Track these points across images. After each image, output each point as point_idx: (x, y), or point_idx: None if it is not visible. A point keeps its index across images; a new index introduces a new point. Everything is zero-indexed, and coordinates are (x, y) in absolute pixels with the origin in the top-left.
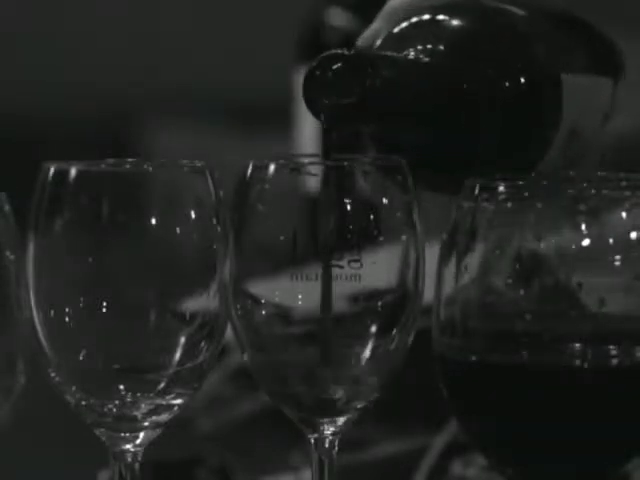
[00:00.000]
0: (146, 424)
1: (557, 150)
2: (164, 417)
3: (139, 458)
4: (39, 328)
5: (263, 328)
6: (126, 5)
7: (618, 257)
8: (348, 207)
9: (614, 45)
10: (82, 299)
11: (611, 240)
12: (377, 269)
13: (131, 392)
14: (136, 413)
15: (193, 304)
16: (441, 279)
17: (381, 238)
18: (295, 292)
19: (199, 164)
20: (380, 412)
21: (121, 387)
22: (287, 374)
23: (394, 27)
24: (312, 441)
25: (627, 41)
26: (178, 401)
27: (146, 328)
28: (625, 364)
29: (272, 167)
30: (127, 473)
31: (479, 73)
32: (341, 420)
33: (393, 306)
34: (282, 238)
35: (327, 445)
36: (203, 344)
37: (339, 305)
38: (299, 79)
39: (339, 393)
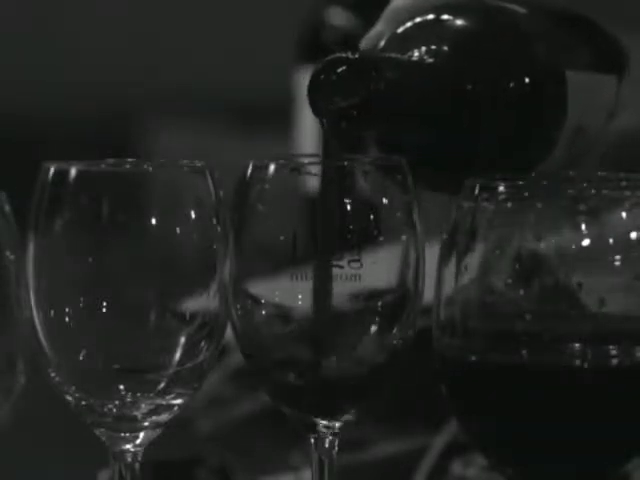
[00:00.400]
0: (146, 424)
1: (562, 148)
2: (164, 417)
3: (139, 458)
4: (39, 328)
5: (263, 328)
6: (126, 5)
7: (618, 257)
8: (348, 207)
9: (617, 42)
10: (82, 299)
11: (611, 240)
12: (377, 269)
13: (131, 392)
14: (136, 413)
15: (193, 304)
16: (441, 279)
17: (381, 238)
18: (295, 292)
19: (199, 164)
20: (380, 412)
21: (121, 387)
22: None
23: (397, 28)
24: (312, 441)
25: (630, 37)
26: (178, 401)
27: (146, 328)
28: (625, 364)
29: (272, 167)
30: (127, 473)
31: (483, 73)
32: (341, 420)
33: (393, 306)
34: (282, 238)
35: (327, 445)
36: (203, 344)
37: (339, 305)
38: (299, 79)
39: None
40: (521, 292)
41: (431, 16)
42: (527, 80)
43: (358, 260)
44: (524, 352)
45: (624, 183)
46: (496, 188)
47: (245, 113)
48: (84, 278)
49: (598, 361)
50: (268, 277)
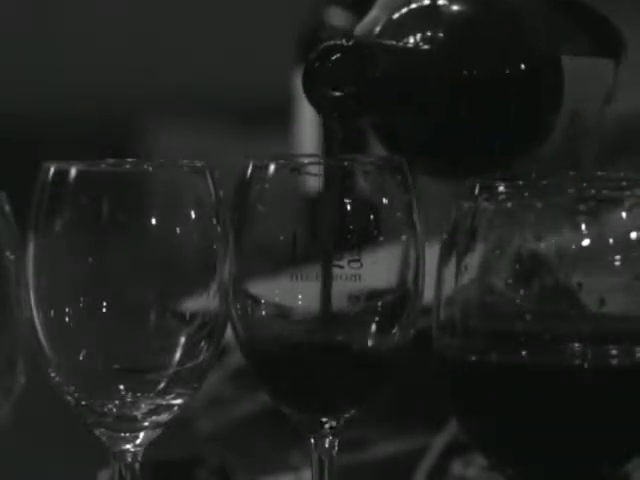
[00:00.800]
0: (146, 424)
1: (559, 133)
2: (164, 417)
3: (139, 458)
4: (39, 328)
5: (263, 328)
6: (126, 5)
7: (618, 257)
8: (348, 207)
9: (614, 26)
10: (82, 299)
11: (611, 240)
12: (377, 269)
13: (131, 392)
14: (136, 413)
15: (193, 304)
16: (441, 279)
17: (381, 238)
18: (295, 292)
19: (199, 164)
20: (380, 412)
21: (121, 387)
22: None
23: (393, 14)
24: (312, 441)
25: (628, 22)
26: (178, 401)
27: (146, 328)
28: (625, 364)
29: (272, 167)
30: (127, 473)
31: (479, 58)
32: (341, 420)
33: (393, 306)
34: (282, 238)
35: (327, 445)
36: (203, 344)
37: (339, 305)
38: (299, 79)
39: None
40: (521, 292)
41: (427, 2)
42: (523, 65)
43: (358, 260)
44: (524, 352)
45: (624, 183)
46: (496, 188)
47: (245, 113)
48: (84, 278)
49: (598, 361)
50: (268, 277)
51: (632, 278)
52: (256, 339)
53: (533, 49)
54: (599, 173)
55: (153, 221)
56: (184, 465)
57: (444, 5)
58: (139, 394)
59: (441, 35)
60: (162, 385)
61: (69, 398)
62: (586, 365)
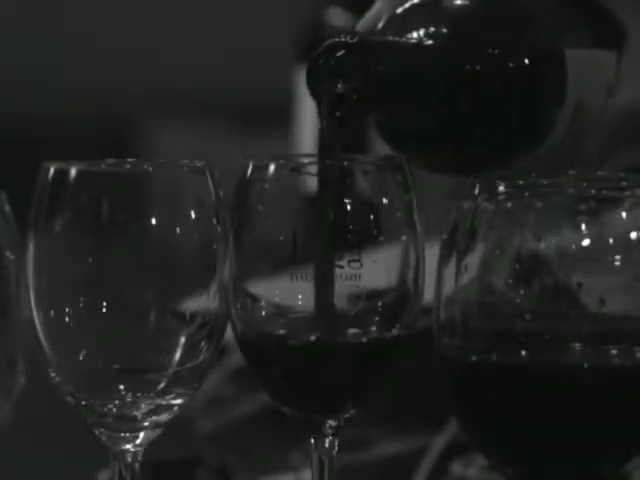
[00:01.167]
0: (146, 424)
1: (562, 126)
2: (164, 417)
3: (139, 458)
4: (39, 328)
5: (263, 328)
6: (126, 5)
7: (618, 257)
8: (348, 207)
9: (616, 18)
10: (82, 299)
11: (611, 240)
12: (377, 269)
13: (131, 392)
14: (136, 413)
15: (193, 304)
16: (441, 279)
17: (381, 238)
18: (295, 292)
19: (199, 164)
20: (380, 412)
21: (121, 387)
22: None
23: (396, 9)
24: (312, 441)
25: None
26: (178, 401)
27: (146, 328)
28: (625, 364)
29: (272, 167)
30: (127, 473)
31: (482, 53)
32: (341, 420)
33: (393, 306)
34: (282, 238)
35: (327, 445)
36: (203, 344)
37: (339, 305)
38: (299, 79)
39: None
40: (521, 292)
41: None
42: (527, 60)
43: (358, 260)
44: (524, 352)
45: (624, 183)
46: (496, 188)
47: (245, 113)
48: (84, 278)
49: (598, 361)
50: (268, 277)
51: (632, 278)
52: (256, 339)
53: (537, 43)
54: (599, 173)
55: (153, 221)
56: (184, 465)
57: (447, 0)
58: (139, 394)
59: (444, 30)
60: (162, 385)
61: (69, 398)
62: (586, 365)
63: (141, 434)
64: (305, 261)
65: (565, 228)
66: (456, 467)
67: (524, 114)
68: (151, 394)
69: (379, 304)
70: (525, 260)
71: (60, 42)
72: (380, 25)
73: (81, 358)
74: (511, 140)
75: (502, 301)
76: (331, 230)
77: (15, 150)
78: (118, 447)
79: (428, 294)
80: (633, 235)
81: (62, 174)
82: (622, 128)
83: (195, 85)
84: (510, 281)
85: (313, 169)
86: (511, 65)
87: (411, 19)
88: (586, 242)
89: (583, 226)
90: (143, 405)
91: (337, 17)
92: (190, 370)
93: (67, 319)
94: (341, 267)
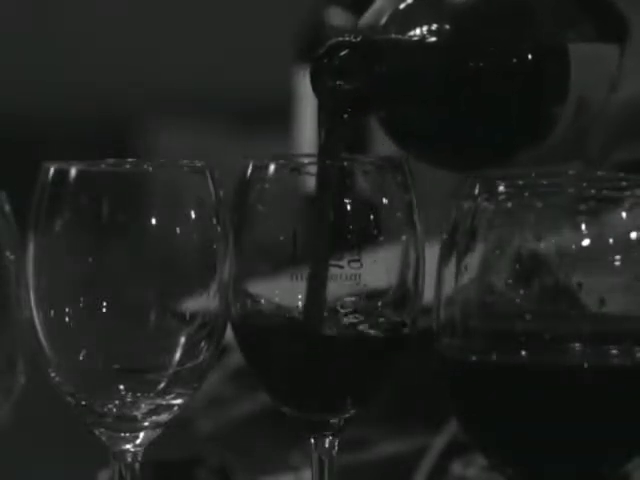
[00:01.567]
0: (146, 424)
1: (565, 121)
2: (164, 417)
3: (139, 458)
4: (39, 328)
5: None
6: (126, 5)
7: (618, 257)
8: (348, 207)
9: (618, 11)
10: (82, 299)
11: (611, 240)
12: (377, 269)
13: (131, 392)
14: (136, 413)
15: (193, 304)
16: (441, 279)
17: (381, 238)
18: (295, 292)
19: (199, 164)
20: (380, 412)
21: (121, 387)
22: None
23: (398, 5)
24: (312, 441)
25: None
26: (178, 401)
27: (146, 328)
28: (625, 364)
29: (272, 167)
30: (127, 473)
31: (486, 49)
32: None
33: (393, 306)
34: (282, 238)
35: (327, 445)
36: (203, 344)
37: (339, 304)
38: (299, 79)
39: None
40: (521, 292)
41: None
42: (530, 54)
43: (358, 260)
44: (524, 352)
45: (624, 183)
46: (496, 188)
47: (245, 113)
48: (84, 278)
49: (598, 361)
50: (268, 277)
51: (632, 278)
52: (256, 339)
53: (540, 38)
54: (599, 173)
55: (153, 221)
56: (184, 465)
57: None
58: (139, 394)
59: (446, 27)
60: (162, 385)
61: (69, 398)
62: (586, 365)
63: (141, 434)
64: (305, 261)
65: (565, 228)
66: (456, 467)
67: (527, 110)
68: (151, 394)
69: (379, 304)
70: (525, 260)
71: (60, 42)
72: (383, 21)
73: (81, 358)
74: (514, 136)
75: (502, 301)
76: (331, 230)
77: (15, 150)
78: (118, 447)
79: (428, 294)
80: (633, 235)
81: (62, 174)
82: (624, 123)
83: (195, 85)
84: (510, 281)
85: (313, 169)
86: (514, 61)
87: (413, 15)
88: (586, 242)
89: (583, 226)
90: (143, 405)
91: (337, 17)
92: (190, 370)
93: (67, 319)
94: (341, 267)
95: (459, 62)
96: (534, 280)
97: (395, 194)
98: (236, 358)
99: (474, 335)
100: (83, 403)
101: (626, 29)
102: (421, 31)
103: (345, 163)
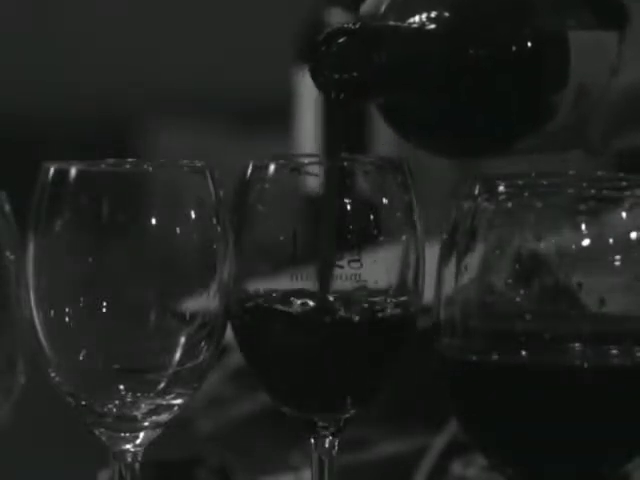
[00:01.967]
0: (146, 424)
1: (566, 108)
2: (164, 417)
3: (139, 458)
4: (39, 328)
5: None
6: (126, 5)
7: (618, 257)
8: (348, 207)
9: None
10: (82, 299)
11: (611, 240)
12: (377, 269)
13: (131, 392)
14: (136, 413)
15: (193, 304)
16: (441, 279)
17: (381, 238)
18: (295, 292)
19: (199, 164)
20: (380, 412)
21: (121, 387)
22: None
23: None
24: (312, 441)
25: None
26: (178, 401)
27: (146, 328)
28: (625, 364)
29: (272, 167)
30: (127, 473)
31: (485, 36)
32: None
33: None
34: (282, 238)
35: (327, 445)
36: (203, 344)
37: (339, 304)
38: (299, 79)
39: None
40: (521, 292)
41: None
42: (529, 41)
43: (358, 260)
44: (524, 352)
45: (624, 183)
46: (496, 188)
47: (245, 113)
48: (84, 278)
49: (598, 361)
50: (268, 277)
51: (632, 278)
52: (256, 339)
53: (540, 25)
54: (599, 173)
55: (153, 221)
56: (184, 465)
57: None
58: (139, 394)
59: (445, 14)
60: (162, 385)
61: (69, 398)
62: (586, 365)
63: (141, 434)
64: (305, 261)
65: (565, 228)
66: (456, 467)
67: (527, 98)
68: (151, 394)
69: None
70: (525, 260)
71: (60, 42)
72: (382, 9)
73: (81, 358)
74: (514, 124)
75: (502, 301)
76: (331, 230)
77: (15, 150)
78: (118, 447)
79: (428, 294)
80: (633, 235)
81: (62, 174)
82: (625, 110)
83: (195, 85)
84: (510, 281)
85: (313, 169)
86: (513, 48)
87: (413, 3)
88: (586, 242)
89: (583, 226)
90: (143, 405)
91: (337, 17)
92: (190, 370)
93: (67, 319)
94: (341, 267)
95: (459, 50)
96: (534, 280)
97: (395, 194)
98: (236, 358)
99: (474, 335)
100: (83, 403)
101: (626, 16)
102: (420, 18)
103: (345, 163)
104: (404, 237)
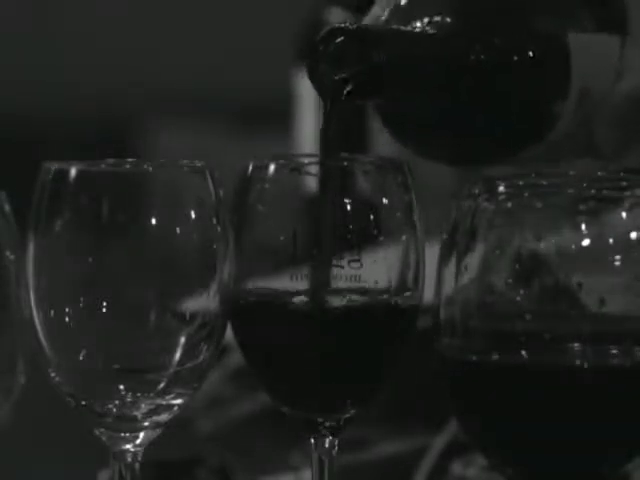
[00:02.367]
0: (146, 424)
1: (569, 112)
2: (164, 417)
3: (139, 458)
4: (39, 328)
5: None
6: (126, 5)
7: (618, 257)
8: (348, 207)
9: (619, 2)
10: (82, 299)
11: (611, 240)
12: (377, 269)
13: (131, 392)
14: (136, 413)
15: (193, 304)
16: (441, 279)
17: (381, 238)
18: (295, 292)
19: (199, 164)
20: (380, 412)
21: (121, 387)
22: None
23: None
24: (312, 441)
25: None
26: (178, 401)
27: (146, 328)
28: (625, 364)
29: (272, 167)
30: (127, 473)
31: (486, 41)
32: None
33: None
34: (282, 238)
35: (327, 445)
36: (203, 344)
37: (339, 304)
38: (299, 79)
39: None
40: (521, 292)
41: None
42: (530, 46)
43: (358, 260)
44: (524, 352)
45: (624, 183)
46: (496, 188)
47: (245, 113)
48: (84, 278)
49: (598, 361)
50: (268, 277)
51: (632, 278)
52: (256, 339)
53: (541, 29)
54: (599, 173)
55: (153, 221)
56: (184, 465)
57: None
58: (139, 394)
59: (446, 18)
60: (162, 385)
61: (69, 398)
62: (586, 365)
63: (141, 434)
64: (305, 261)
65: (565, 228)
66: (456, 467)
67: (530, 102)
68: (151, 394)
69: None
70: (525, 260)
71: (60, 42)
72: (384, 16)
73: (81, 358)
74: (515, 128)
75: (502, 301)
76: (331, 230)
77: (15, 150)
78: (118, 447)
79: (428, 294)
80: (633, 235)
81: (62, 174)
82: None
83: (195, 85)
84: (510, 281)
85: (313, 169)
86: (514, 52)
87: (413, 10)
88: (586, 242)
89: (583, 226)
90: (143, 405)
91: (337, 17)
92: (190, 370)
93: (67, 319)
94: (341, 267)
95: (457, 53)
96: (534, 280)
97: (395, 194)
98: (236, 358)
99: (474, 335)
100: (83, 403)
101: (627, 20)
102: (421, 22)
103: (345, 163)
104: (404, 237)
